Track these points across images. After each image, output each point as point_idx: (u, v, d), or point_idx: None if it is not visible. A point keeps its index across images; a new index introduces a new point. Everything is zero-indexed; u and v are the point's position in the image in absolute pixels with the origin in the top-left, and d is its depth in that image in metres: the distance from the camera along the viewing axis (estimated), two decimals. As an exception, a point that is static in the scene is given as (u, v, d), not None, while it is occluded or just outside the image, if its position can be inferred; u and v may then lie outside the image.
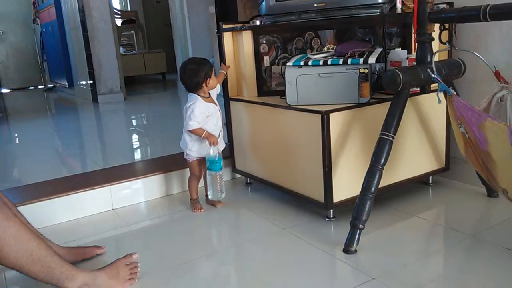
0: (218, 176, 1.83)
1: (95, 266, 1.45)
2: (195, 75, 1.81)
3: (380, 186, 1.49)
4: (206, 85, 1.83)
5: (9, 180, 2.44)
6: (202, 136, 1.82)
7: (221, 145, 1.93)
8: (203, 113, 1.83)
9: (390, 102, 1.52)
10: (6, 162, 3.00)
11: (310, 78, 1.70)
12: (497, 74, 1.50)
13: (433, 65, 1.48)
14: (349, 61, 1.66)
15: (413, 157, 1.86)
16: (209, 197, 1.92)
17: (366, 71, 1.63)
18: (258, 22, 2.01)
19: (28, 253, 1.16)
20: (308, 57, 1.77)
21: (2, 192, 1.34)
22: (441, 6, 1.75)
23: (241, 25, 2.04)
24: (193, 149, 1.88)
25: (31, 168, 2.69)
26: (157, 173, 2.14)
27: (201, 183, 2.01)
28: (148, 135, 3.42)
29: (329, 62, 1.69)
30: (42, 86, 7.87)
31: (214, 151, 1.81)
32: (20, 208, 1.49)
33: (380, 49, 1.78)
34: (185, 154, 1.92)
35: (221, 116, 1.93)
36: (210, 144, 1.82)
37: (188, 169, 1.97)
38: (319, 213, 1.78)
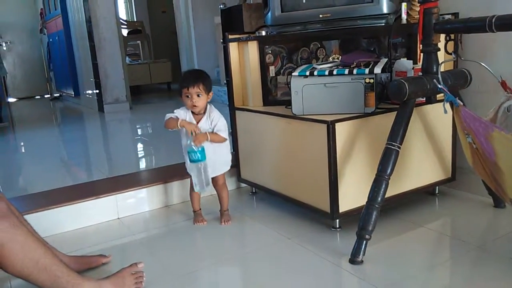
0: (201, 167, 1.75)
1: (101, 275, 1.45)
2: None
3: (386, 196, 1.49)
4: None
5: (15, 189, 2.45)
6: (178, 124, 1.74)
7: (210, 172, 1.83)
8: (181, 114, 1.79)
9: (396, 112, 1.52)
10: (13, 170, 3.02)
11: (316, 88, 1.71)
12: (503, 84, 1.50)
13: (439, 76, 1.48)
14: (354, 71, 1.67)
15: (419, 167, 1.85)
16: (195, 189, 1.81)
17: (371, 81, 1.64)
18: (263, 33, 2.02)
19: (34, 262, 1.17)
20: (313, 67, 1.77)
21: (9, 200, 1.35)
22: (447, 16, 1.77)
23: (247, 35, 2.05)
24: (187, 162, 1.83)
25: (37, 176, 2.70)
26: (163, 182, 2.14)
27: (204, 194, 2.00)
28: (154, 145, 3.43)
29: (334, 72, 1.69)
30: (49, 96, 7.94)
31: (190, 140, 1.73)
32: (26, 217, 1.49)
33: (386, 59, 1.78)
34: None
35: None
36: (189, 133, 1.75)
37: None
38: (325, 223, 1.78)
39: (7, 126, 4.79)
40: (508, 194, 1.37)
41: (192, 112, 1.80)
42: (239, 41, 2.05)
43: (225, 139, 1.83)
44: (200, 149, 1.73)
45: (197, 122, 1.80)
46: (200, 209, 1.93)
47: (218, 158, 1.84)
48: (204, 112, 1.82)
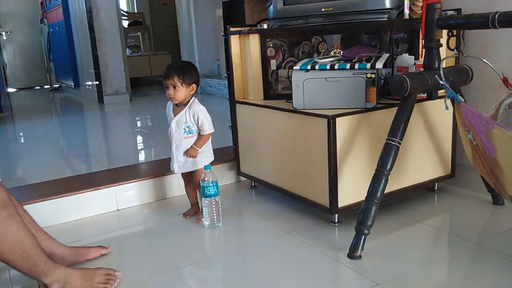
0: (213, 203, 1.74)
1: (99, 266, 1.45)
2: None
3: (385, 191, 1.49)
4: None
5: (14, 179, 2.45)
6: None
7: (185, 165, 1.85)
8: (168, 106, 1.87)
9: (396, 108, 1.52)
10: (12, 161, 3.02)
11: (317, 82, 1.70)
12: (505, 81, 1.49)
13: (441, 72, 1.47)
14: (356, 66, 1.66)
15: (419, 163, 1.85)
16: (205, 226, 1.78)
17: (373, 76, 1.63)
18: (265, 26, 2.01)
19: (21, 251, 1.24)
20: (315, 61, 1.77)
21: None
22: (449, 12, 1.76)
23: (248, 28, 2.04)
24: None
25: (36, 167, 2.70)
26: (162, 174, 2.14)
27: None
28: (153, 137, 3.43)
29: (336, 67, 1.69)
30: (48, 86, 7.91)
31: (206, 177, 1.72)
32: (25, 207, 1.50)
33: (387, 55, 1.77)
34: None
35: (176, 133, 1.82)
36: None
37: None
38: (324, 217, 1.78)
39: (7, 116, 4.78)
40: (507, 191, 1.37)
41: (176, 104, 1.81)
42: (241, 34, 2.04)
43: (210, 135, 1.83)
44: (214, 184, 1.72)
45: (175, 114, 1.81)
46: (196, 203, 1.92)
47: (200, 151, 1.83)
48: (185, 105, 1.81)
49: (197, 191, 1.90)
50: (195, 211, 1.91)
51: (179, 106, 1.81)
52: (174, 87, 1.75)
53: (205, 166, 1.76)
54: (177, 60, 6.46)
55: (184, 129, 1.81)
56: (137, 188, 2.09)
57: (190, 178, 1.89)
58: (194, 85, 1.79)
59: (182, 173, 1.91)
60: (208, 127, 1.80)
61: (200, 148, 1.82)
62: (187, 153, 1.82)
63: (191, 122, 1.80)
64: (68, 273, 1.34)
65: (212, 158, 1.88)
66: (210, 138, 1.86)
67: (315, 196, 1.74)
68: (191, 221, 1.87)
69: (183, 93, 1.76)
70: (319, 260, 1.49)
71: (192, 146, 1.81)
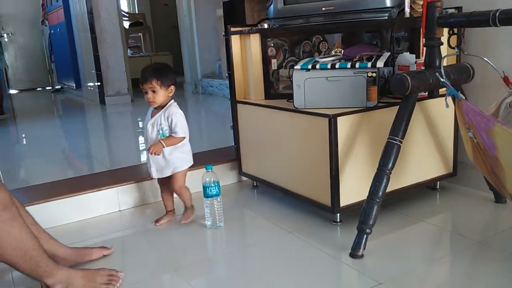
0: (215, 203, 1.74)
1: (101, 266, 1.46)
2: None
3: (387, 190, 1.49)
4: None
5: (16, 181, 2.46)
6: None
7: (163, 170, 1.80)
8: (149, 111, 1.83)
9: (398, 106, 1.52)
10: (14, 162, 3.02)
11: (318, 82, 1.70)
12: (506, 80, 1.49)
13: (442, 70, 1.47)
14: (357, 65, 1.66)
15: (420, 162, 1.85)
16: (207, 226, 1.78)
17: (374, 75, 1.63)
18: (266, 25, 2.02)
19: (23, 252, 1.24)
20: (316, 61, 1.77)
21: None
22: (450, 10, 1.75)
23: (249, 28, 2.04)
24: None
25: (39, 168, 2.71)
26: (164, 175, 2.14)
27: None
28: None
29: (337, 66, 1.68)
30: (50, 87, 7.93)
31: (208, 177, 1.72)
32: (27, 208, 1.50)
33: (388, 53, 1.77)
34: None
35: (151, 136, 1.78)
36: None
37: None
38: (326, 217, 1.78)
39: (9, 118, 4.79)
40: (508, 189, 1.37)
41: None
42: (241, 34, 2.04)
43: (181, 140, 1.76)
44: (216, 184, 1.72)
45: (152, 116, 1.79)
46: (173, 209, 1.90)
47: (177, 155, 1.79)
48: (163, 107, 1.77)
49: (172, 197, 1.89)
50: (169, 218, 1.87)
51: (157, 108, 1.78)
52: (153, 91, 1.72)
53: (206, 167, 1.76)
54: (178, 61, 6.49)
55: (158, 131, 1.76)
56: (139, 189, 2.09)
57: (166, 183, 1.85)
58: (172, 87, 1.76)
59: (158, 178, 1.86)
60: (180, 131, 1.74)
61: (166, 146, 1.75)
62: (151, 147, 1.72)
63: (165, 124, 1.76)
64: (70, 274, 1.34)
65: (191, 163, 1.84)
66: (187, 143, 1.81)
67: (316, 195, 1.74)
68: (193, 222, 1.86)
69: (162, 96, 1.74)
70: (321, 260, 1.49)
71: (159, 140, 1.74)
